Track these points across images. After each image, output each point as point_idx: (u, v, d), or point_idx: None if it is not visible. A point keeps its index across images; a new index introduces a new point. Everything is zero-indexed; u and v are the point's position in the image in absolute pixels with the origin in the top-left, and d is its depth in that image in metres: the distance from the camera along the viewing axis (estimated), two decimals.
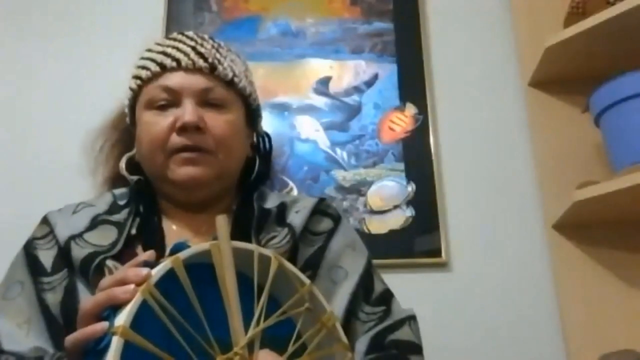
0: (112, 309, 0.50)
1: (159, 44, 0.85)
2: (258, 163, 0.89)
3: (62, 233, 0.77)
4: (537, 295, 1.26)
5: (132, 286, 0.51)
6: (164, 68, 0.81)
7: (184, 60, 0.81)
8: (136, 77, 0.84)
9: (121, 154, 0.89)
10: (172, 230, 0.80)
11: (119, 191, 0.86)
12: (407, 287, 1.25)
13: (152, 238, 0.77)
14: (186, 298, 0.51)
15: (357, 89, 1.44)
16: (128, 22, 1.52)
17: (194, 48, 0.82)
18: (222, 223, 0.56)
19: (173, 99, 0.80)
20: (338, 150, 1.39)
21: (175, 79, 0.80)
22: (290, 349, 0.56)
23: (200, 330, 0.50)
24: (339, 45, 1.49)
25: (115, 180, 0.90)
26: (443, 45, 1.48)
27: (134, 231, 0.78)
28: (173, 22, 1.50)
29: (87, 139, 0.92)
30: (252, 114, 0.89)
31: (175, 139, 0.78)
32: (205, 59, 0.81)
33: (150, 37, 1.43)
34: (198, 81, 0.80)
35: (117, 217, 0.80)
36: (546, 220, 1.29)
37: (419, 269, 1.28)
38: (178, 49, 0.82)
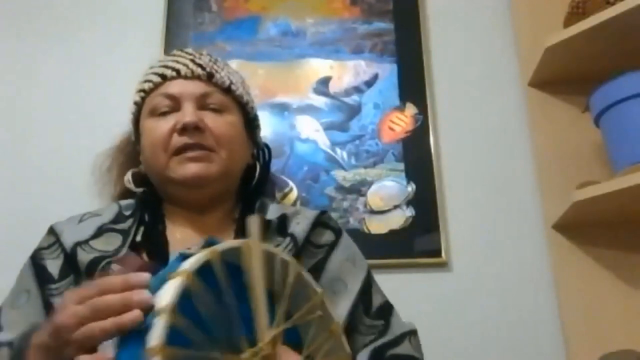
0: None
1: (160, 60, 0.91)
2: (259, 169, 0.91)
3: (68, 240, 0.79)
4: (537, 296, 1.26)
5: (137, 312, 0.49)
6: (164, 78, 0.85)
7: (183, 70, 0.85)
8: (140, 90, 0.88)
9: None
10: (176, 239, 0.82)
11: (125, 202, 0.88)
12: (407, 287, 1.26)
13: (155, 246, 0.79)
14: (211, 293, 0.51)
15: (357, 89, 1.44)
16: (128, 22, 1.52)
17: (192, 60, 0.87)
18: (255, 222, 0.57)
19: (174, 104, 0.83)
20: (338, 150, 1.39)
21: (175, 86, 0.84)
22: (305, 352, 0.58)
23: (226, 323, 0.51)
24: (339, 45, 1.48)
25: (124, 199, 0.92)
26: (443, 45, 1.48)
27: (138, 238, 0.80)
28: (173, 22, 1.50)
29: (95, 161, 0.95)
30: (250, 123, 0.92)
31: (177, 139, 0.81)
32: (203, 68, 0.86)
33: (150, 37, 1.45)
34: (197, 87, 0.85)
35: (122, 226, 0.82)
36: (546, 220, 1.29)
37: (419, 269, 1.28)
38: (177, 62, 0.87)
